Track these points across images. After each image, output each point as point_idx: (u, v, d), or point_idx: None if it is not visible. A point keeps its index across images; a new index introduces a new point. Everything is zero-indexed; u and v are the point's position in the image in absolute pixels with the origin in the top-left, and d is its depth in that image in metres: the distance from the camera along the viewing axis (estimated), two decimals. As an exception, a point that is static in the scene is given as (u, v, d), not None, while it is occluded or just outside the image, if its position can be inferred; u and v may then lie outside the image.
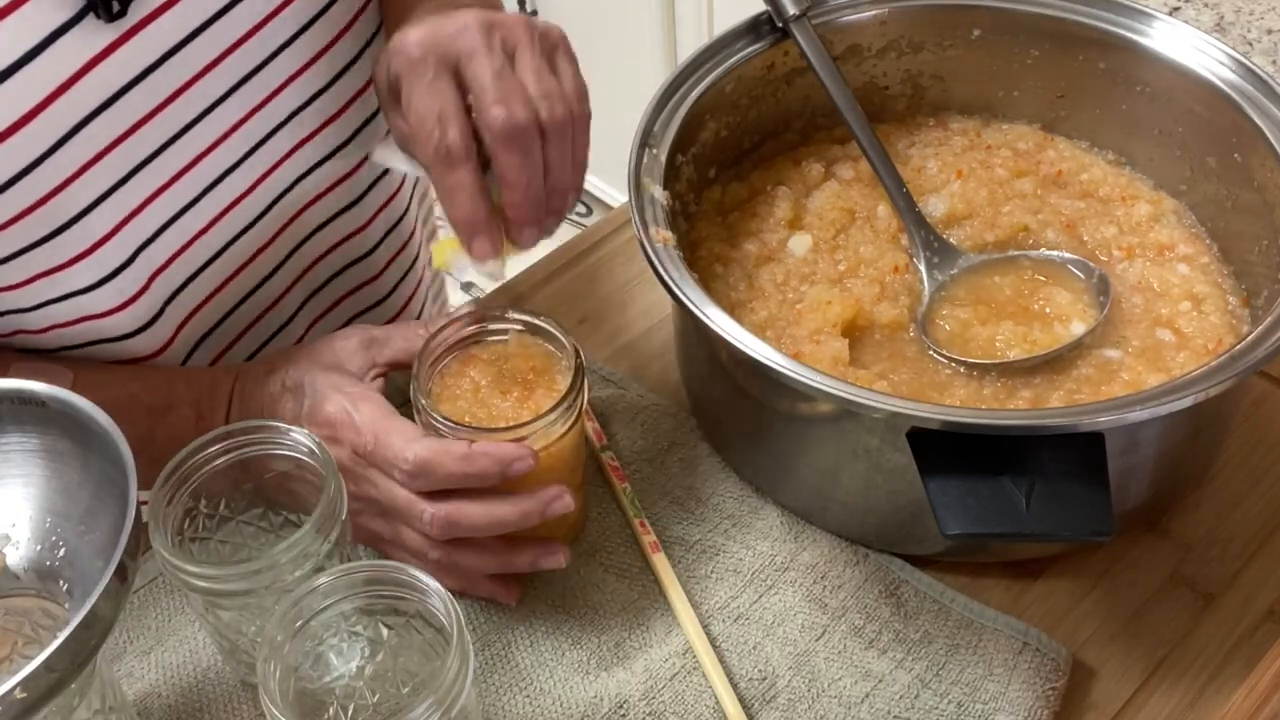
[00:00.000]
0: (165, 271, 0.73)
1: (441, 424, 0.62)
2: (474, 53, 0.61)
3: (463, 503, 0.62)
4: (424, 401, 0.63)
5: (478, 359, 0.67)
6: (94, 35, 0.63)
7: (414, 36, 0.62)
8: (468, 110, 0.62)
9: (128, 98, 0.65)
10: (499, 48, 0.61)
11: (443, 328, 0.66)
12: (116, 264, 0.70)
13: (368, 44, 0.79)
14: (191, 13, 0.67)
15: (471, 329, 0.67)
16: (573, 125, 0.63)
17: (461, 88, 0.62)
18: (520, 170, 0.61)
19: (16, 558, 0.58)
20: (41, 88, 0.62)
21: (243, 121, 0.73)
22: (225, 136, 0.72)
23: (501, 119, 0.60)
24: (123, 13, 0.63)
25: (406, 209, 0.91)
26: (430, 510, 0.62)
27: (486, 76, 0.60)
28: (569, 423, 0.64)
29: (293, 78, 0.74)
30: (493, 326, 0.67)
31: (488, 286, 0.64)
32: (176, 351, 0.77)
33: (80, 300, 0.70)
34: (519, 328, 0.67)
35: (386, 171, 0.85)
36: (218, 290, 0.78)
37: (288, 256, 0.82)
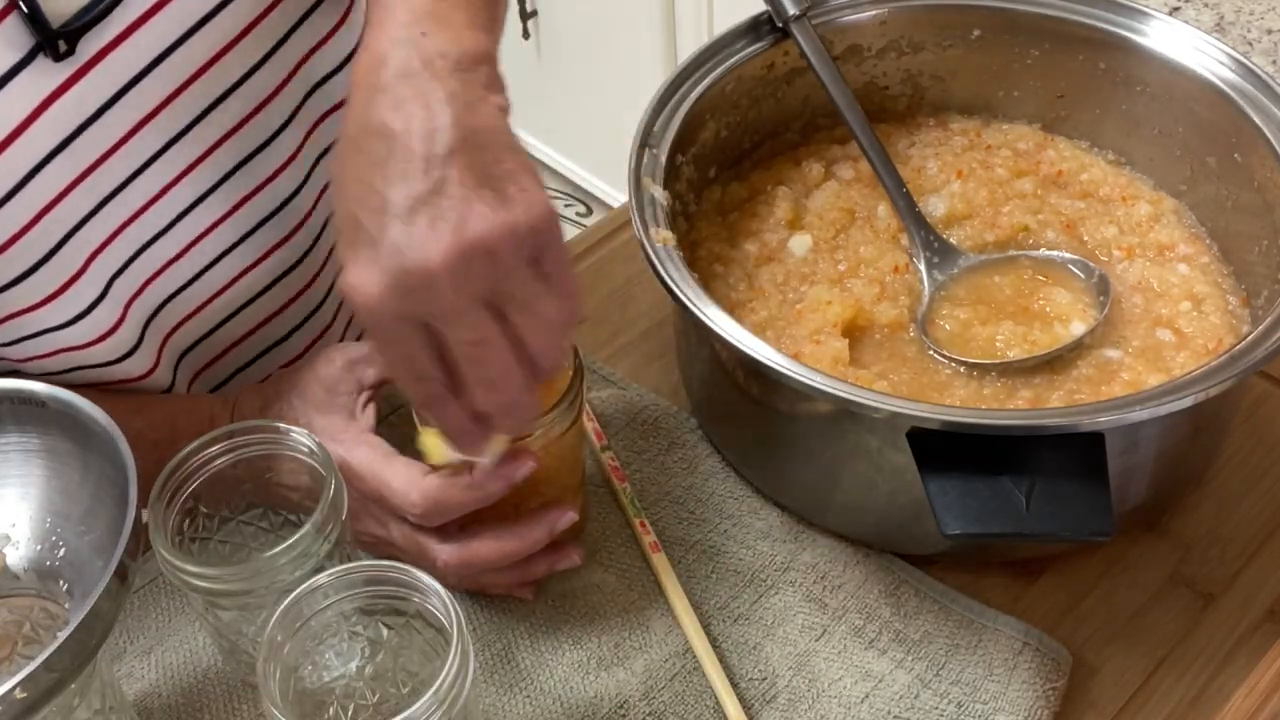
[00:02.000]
0: (140, 298, 0.72)
1: (441, 424, 0.62)
2: (445, 319, 0.51)
3: (472, 542, 0.63)
4: (423, 402, 0.63)
5: None
6: (46, 76, 0.61)
7: (373, 281, 0.50)
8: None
9: (86, 135, 0.64)
10: (472, 297, 0.50)
11: None
12: (90, 299, 0.69)
13: (338, 69, 0.77)
14: (146, 46, 0.64)
15: None
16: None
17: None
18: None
19: (16, 558, 0.58)
20: None
21: (209, 152, 0.70)
22: (193, 166, 0.70)
23: (479, 404, 0.54)
24: (71, 52, 0.61)
25: None
26: (444, 557, 0.63)
27: (461, 357, 0.52)
28: (569, 422, 0.64)
29: (258, 109, 0.72)
30: None
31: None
32: (163, 373, 0.76)
33: (58, 335, 0.69)
34: None
35: None
36: (197, 311, 0.76)
37: (273, 281, 0.80)
